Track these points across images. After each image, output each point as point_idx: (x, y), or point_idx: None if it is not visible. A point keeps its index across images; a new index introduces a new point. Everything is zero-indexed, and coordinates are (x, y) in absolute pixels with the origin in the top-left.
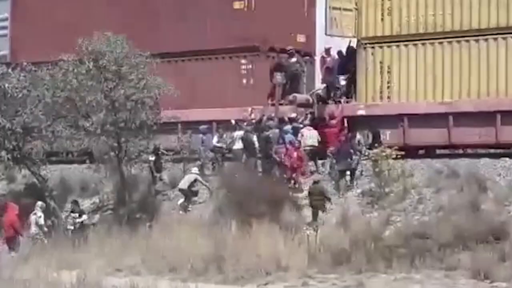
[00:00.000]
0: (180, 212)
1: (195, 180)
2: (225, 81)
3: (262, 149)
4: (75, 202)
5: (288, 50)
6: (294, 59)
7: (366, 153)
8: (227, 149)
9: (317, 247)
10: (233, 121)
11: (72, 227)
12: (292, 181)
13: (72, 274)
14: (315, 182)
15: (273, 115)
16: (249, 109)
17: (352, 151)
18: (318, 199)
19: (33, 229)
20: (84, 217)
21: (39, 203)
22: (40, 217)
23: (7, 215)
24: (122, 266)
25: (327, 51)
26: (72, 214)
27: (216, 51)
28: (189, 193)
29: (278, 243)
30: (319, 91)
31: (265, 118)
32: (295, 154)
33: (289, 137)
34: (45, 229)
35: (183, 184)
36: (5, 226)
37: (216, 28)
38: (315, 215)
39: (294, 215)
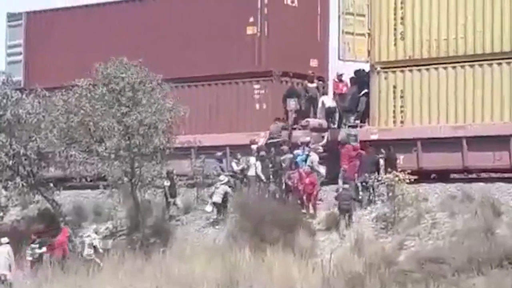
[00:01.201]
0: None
1: (226, 193)
2: (238, 106)
3: (274, 174)
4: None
5: (309, 75)
6: (314, 84)
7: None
8: (243, 174)
9: (331, 272)
10: (253, 147)
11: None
12: (306, 207)
13: None
14: (344, 189)
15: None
16: (261, 134)
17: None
18: (346, 204)
19: (87, 250)
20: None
21: (93, 226)
22: (94, 239)
23: (60, 236)
24: None
25: (339, 76)
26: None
27: (230, 76)
28: (222, 207)
29: (292, 268)
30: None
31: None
32: (307, 179)
33: (301, 161)
34: (101, 250)
35: (217, 197)
36: (56, 246)
37: (229, 53)
38: (343, 218)
39: (308, 240)
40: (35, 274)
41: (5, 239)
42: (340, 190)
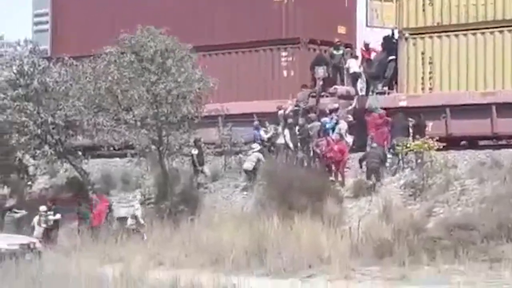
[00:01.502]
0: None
1: (259, 160)
2: (266, 74)
3: (302, 141)
4: (52, 201)
5: (336, 42)
6: (340, 52)
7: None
8: (271, 142)
9: (360, 239)
10: (280, 112)
11: (45, 225)
12: (334, 174)
13: (115, 268)
14: (373, 147)
15: (305, 105)
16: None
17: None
18: (374, 162)
19: (130, 221)
20: (58, 216)
21: (138, 196)
22: (137, 209)
23: (99, 205)
24: (164, 260)
25: (366, 46)
26: (48, 212)
27: (257, 44)
28: (253, 174)
29: (320, 236)
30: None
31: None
32: (336, 147)
33: (330, 128)
34: (142, 221)
35: (248, 164)
36: (94, 215)
37: (256, 20)
38: (369, 177)
39: (336, 207)
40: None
41: (43, 208)
42: (368, 149)
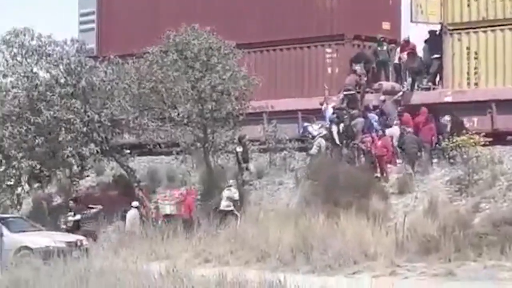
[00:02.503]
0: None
1: (320, 146)
2: (310, 70)
3: (348, 137)
4: (74, 201)
5: (379, 38)
6: (384, 47)
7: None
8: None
9: (405, 236)
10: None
11: (64, 226)
12: (379, 170)
13: (161, 265)
14: (407, 133)
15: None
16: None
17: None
18: (413, 147)
19: (225, 203)
20: (78, 216)
21: (231, 181)
22: (235, 192)
23: (187, 198)
24: (210, 257)
25: (406, 41)
26: (69, 213)
27: (301, 41)
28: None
29: (365, 232)
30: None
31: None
32: (379, 142)
33: (376, 125)
34: (238, 203)
35: (314, 150)
36: (184, 208)
37: (301, 17)
38: (411, 163)
39: (381, 203)
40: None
41: (135, 203)
42: (405, 135)
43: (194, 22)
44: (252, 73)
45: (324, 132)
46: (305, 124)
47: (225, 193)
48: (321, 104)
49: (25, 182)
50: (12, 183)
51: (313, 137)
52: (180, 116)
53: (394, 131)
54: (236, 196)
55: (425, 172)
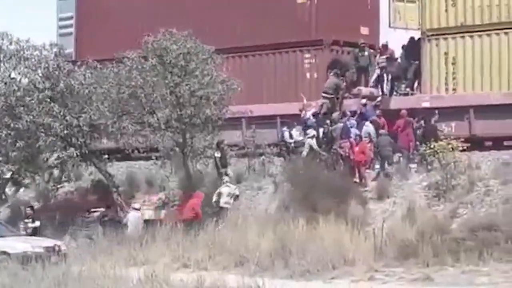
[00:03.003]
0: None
1: (311, 147)
2: (289, 76)
3: (327, 143)
4: (31, 208)
5: (360, 44)
6: (366, 53)
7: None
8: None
9: (383, 241)
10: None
11: (24, 233)
12: (357, 175)
13: (140, 270)
14: (381, 135)
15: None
16: (304, 100)
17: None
18: (387, 150)
19: (225, 199)
20: (37, 223)
21: (225, 177)
22: (235, 188)
23: (192, 199)
24: (189, 262)
25: (384, 46)
26: (26, 220)
27: (280, 46)
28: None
29: (344, 237)
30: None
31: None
32: (357, 148)
33: (354, 131)
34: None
35: (304, 153)
36: (187, 208)
37: (279, 22)
38: (383, 165)
39: (359, 209)
40: None
41: (136, 205)
42: (379, 137)
43: (173, 27)
44: (231, 78)
45: (313, 133)
46: (283, 129)
47: (224, 189)
48: (301, 110)
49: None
50: None
51: (286, 143)
52: (159, 121)
53: (369, 129)
54: (237, 191)
55: (403, 177)
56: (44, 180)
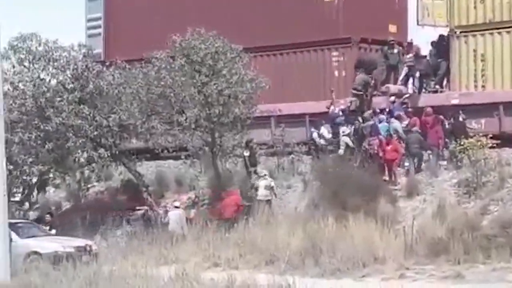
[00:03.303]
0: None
1: (347, 145)
2: (317, 74)
3: (357, 140)
4: (50, 214)
5: (389, 41)
6: (395, 51)
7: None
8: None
9: (414, 238)
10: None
11: None
12: (387, 173)
13: (170, 269)
14: (411, 131)
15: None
16: (333, 97)
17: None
18: (415, 147)
19: (263, 192)
20: (53, 231)
21: (263, 171)
22: (272, 181)
23: (231, 197)
24: (219, 261)
25: (410, 44)
26: (45, 227)
27: (308, 44)
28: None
29: (374, 235)
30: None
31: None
32: (388, 146)
33: (384, 126)
34: (275, 192)
35: (341, 151)
36: (229, 205)
37: (307, 21)
38: (413, 162)
39: (389, 207)
40: None
41: (177, 203)
42: (408, 135)
43: (200, 26)
44: (259, 76)
45: (348, 130)
46: (311, 129)
47: (262, 182)
48: (328, 107)
49: (34, 188)
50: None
51: (315, 142)
52: (188, 120)
53: (396, 125)
54: (273, 183)
55: (433, 174)
56: (74, 180)
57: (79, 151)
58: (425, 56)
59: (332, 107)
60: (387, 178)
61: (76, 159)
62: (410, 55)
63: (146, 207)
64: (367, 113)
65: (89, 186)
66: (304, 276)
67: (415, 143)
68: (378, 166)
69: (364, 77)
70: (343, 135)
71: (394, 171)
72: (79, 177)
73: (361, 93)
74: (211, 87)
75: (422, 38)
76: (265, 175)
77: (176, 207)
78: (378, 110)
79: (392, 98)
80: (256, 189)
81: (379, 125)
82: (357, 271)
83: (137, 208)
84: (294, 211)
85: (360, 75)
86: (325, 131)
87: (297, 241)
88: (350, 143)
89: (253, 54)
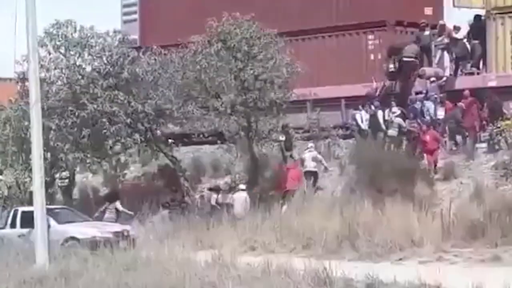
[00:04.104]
0: None
1: (400, 125)
2: (353, 57)
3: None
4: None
5: (421, 23)
6: (427, 33)
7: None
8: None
9: (451, 221)
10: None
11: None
12: (427, 162)
13: (207, 254)
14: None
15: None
16: (374, 83)
17: None
18: (451, 122)
19: (311, 163)
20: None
21: (309, 143)
22: (319, 153)
23: (292, 170)
24: (256, 245)
25: (442, 26)
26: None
27: (344, 28)
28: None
29: (411, 219)
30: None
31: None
32: (428, 136)
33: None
34: (325, 165)
35: (393, 132)
36: (291, 178)
37: (342, 4)
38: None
39: (426, 189)
40: None
41: (242, 186)
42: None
43: (235, 10)
44: (295, 61)
45: (398, 112)
46: (353, 111)
47: (307, 154)
48: (367, 94)
49: (72, 173)
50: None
51: (358, 125)
52: (224, 105)
53: (428, 105)
54: (319, 156)
55: (470, 157)
56: (111, 166)
57: (115, 137)
58: (462, 39)
59: (372, 90)
60: (429, 167)
61: (111, 145)
62: (442, 37)
63: (182, 192)
64: (412, 96)
65: (125, 172)
66: (341, 260)
67: (449, 119)
68: (414, 149)
69: (415, 47)
70: (396, 116)
71: (437, 160)
72: (115, 163)
73: (413, 60)
74: (248, 72)
75: (459, 20)
76: (310, 146)
77: (242, 189)
78: (414, 93)
79: (432, 79)
80: (303, 161)
81: (426, 105)
82: (394, 254)
83: (173, 192)
84: (330, 195)
85: (411, 45)
86: (366, 114)
87: (333, 225)
88: (403, 124)
89: (288, 38)
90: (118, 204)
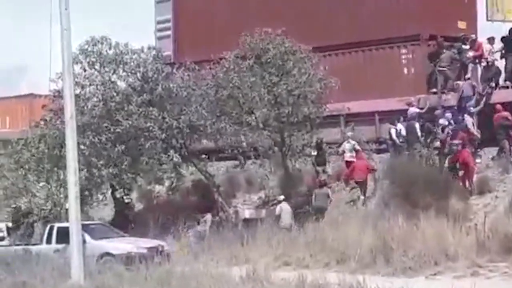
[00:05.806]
0: None
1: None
2: (386, 72)
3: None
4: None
5: (462, 37)
6: (466, 46)
7: None
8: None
9: (486, 236)
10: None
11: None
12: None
13: (241, 269)
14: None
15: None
16: (418, 97)
17: None
18: (500, 133)
19: (349, 154)
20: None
21: (348, 133)
22: (355, 144)
23: (360, 160)
24: (290, 260)
25: (473, 41)
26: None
27: (376, 42)
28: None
29: (445, 233)
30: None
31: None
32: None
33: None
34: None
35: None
36: (359, 168)
37: (375, 18)
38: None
39: (461, 204)
40: None
41: (281, 197)
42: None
43: (268, 26)
44: (328, 75)
45: (447, 122)
46: (389, 126)
47: (347, 145)
48: (408, 104)
49: (106, 189)
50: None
51: (392, 139)
52: (257, 120)
53: (467, 120)
54: (357, 146)
55: (505, 171)
56: (146, 181)
57: (149, 153)
58: (493, 63)
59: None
60: (468, 186)
61: (146, 161)
62: (471, 53)
63: (217, 208)
64: (438, 112)
65: (160, 187)
66: (375, 274)
67: (498, 128)
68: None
69: (452, 54)
70: (442, 128)
71: (470, 179)
72: (150, 179)
73: (445, 69)
74: (281, 87)
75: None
76: (349, 137)
77: (283, 200)
78: (442, 108)
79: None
80: (343, 152)
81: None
82: (428, 269)
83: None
84: (364, 209)
85: (448, 52)
86: (402, 128)
87: (367, 240)
88: (444, 136)
89: (321, 53)
90: (209, 217)
